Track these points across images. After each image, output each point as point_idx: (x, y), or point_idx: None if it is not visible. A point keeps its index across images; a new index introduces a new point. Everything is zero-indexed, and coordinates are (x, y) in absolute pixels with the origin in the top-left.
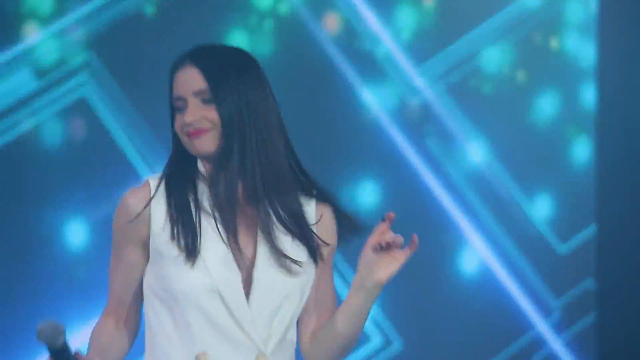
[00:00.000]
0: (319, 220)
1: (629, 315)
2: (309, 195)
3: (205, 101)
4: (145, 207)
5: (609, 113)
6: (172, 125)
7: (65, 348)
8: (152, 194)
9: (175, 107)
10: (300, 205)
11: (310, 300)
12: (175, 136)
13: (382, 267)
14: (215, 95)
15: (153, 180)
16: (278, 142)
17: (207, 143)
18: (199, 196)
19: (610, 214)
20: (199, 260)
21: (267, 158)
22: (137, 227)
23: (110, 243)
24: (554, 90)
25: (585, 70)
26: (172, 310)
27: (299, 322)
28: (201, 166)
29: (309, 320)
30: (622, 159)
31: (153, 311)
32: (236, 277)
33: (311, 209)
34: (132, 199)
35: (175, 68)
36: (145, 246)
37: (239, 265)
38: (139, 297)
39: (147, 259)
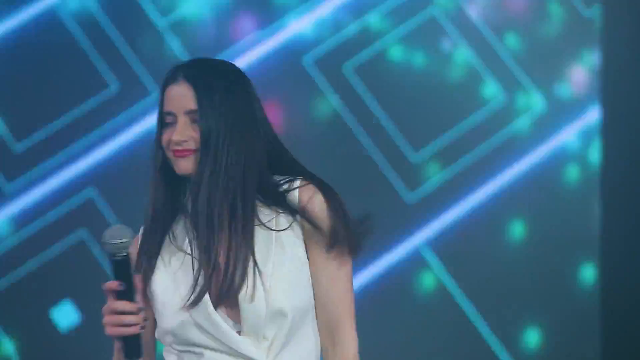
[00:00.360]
0: (302, 206)
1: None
2: (292, 187)
3: (194, 121)
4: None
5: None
6: (157, 139)
7: (126, 261)
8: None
9: (164, 120)
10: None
11: (317, 305)
12: (156, 157)
13: None
14: (201, 117)
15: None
16: (252, 160)
17: (191, 164)
18: (176, 227)
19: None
20: (175, 296)
21: (235, 179)
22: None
23: None
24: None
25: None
26: (171, 344)
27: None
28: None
29: (321, 329)
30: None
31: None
32: (210, 309)
33: (294, 200)
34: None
35: (168, 81)
36: None
37: (218, 291)
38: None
39: None
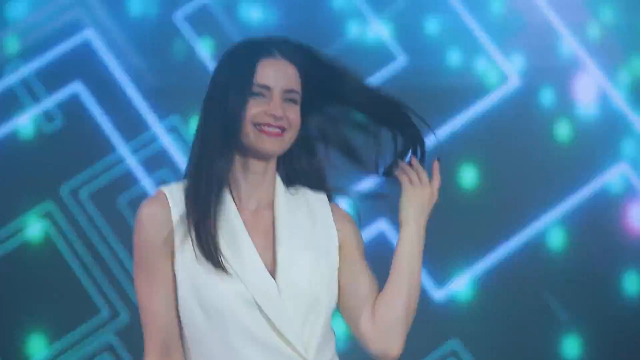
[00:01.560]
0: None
1: None
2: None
3: (290, 100)
4: (168, 214)
5: None
6: (229, 109)
7: None
8: (169, 202)
9: (252, 91)
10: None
11: (354, 294)
12: (208, 130)
13: (410, 199)
14: (307, 101)
15: (167, 188)
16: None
17: (279, 144)
18: (226, 201)
19: None
20: (232, 270)
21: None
22: (164, 236)
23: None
24: None
25: None
26: (211, 324)
27: (350, 315)
28: (238, 169)
29: (361, 306)
30: None
31: (191, 327)
32: (272, 285)
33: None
34: (151, 208)
35: (262, 54)
36: (174, 258)
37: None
38: (179, 323)
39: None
